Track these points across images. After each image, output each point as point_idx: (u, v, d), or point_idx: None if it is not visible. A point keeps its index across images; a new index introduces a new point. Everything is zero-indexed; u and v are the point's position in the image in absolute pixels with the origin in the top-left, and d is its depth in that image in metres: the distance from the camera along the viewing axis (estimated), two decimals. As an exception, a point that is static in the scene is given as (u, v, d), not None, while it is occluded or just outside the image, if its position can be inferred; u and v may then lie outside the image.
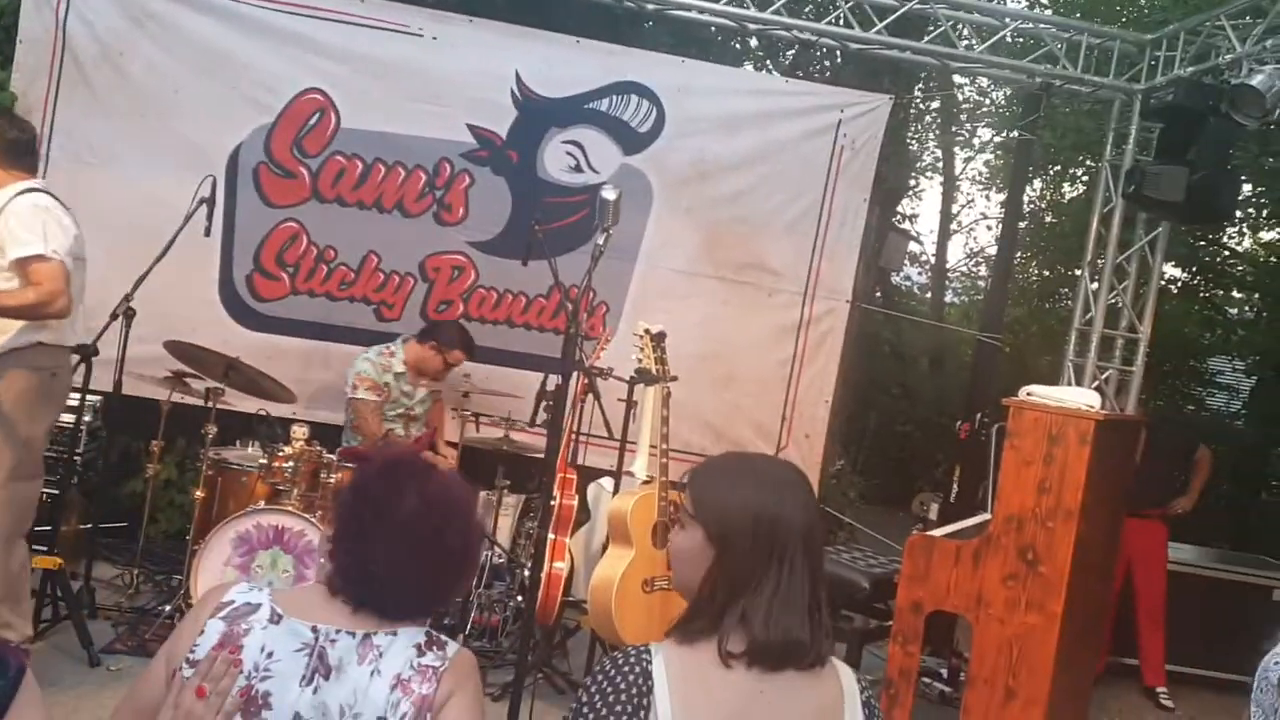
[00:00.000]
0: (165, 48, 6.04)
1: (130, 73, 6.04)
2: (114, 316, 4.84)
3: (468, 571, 1.97)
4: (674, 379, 4.85)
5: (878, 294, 12.61)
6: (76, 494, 5.46)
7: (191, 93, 6.07)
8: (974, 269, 17.94)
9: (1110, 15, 10.60)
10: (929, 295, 17.72)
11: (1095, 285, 6.59)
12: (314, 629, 1.78)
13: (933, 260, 17.46)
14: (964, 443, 6.58)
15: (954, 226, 17.51)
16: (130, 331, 5.01)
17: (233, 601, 1.81)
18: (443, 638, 1.86)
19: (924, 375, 15.46)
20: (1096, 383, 6.42)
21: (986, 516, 5.15)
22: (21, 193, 4.04)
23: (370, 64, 6.16)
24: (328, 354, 6.23)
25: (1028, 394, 4.42)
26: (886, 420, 13.15)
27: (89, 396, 5.20)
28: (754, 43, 10.80)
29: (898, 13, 6.27)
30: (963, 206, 17.85)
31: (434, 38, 6.21)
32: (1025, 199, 14.79)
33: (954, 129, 16.01)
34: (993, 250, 16.54)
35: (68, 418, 5.38)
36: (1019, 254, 14.47)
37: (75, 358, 4.41)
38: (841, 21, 6.38)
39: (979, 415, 6.46)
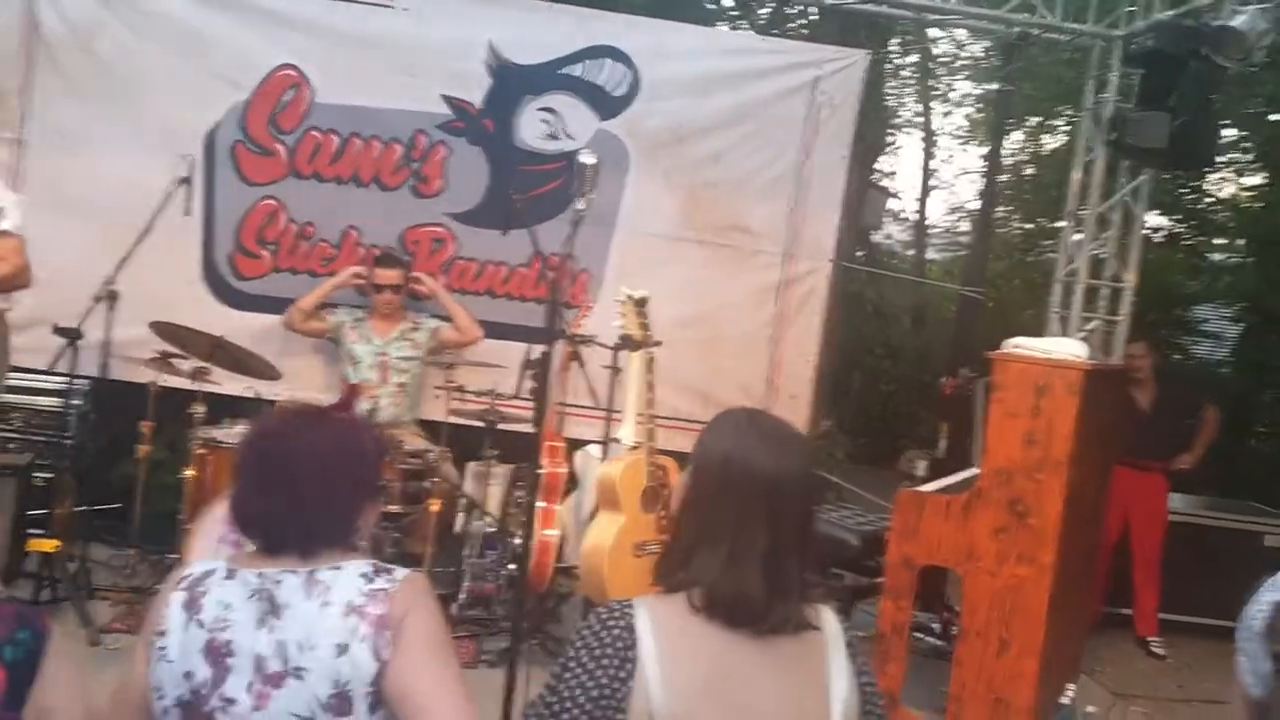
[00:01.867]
0: (135, 29, 5.99)
1: (101, 55, 5.99)
2: (97, 300, 4.86)
3: (360, 474, 1.98)
4: (657, 344, 4.88)
5: (859, 253, 12.64)
6: (69, 477, 5.48)
7: (164, 73, 6.02)
8: (955, 225, 17.96)
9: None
10: (911, 253, 17.75)
11: (1079, 236, 6.62)
12: (259, 574, 1.85)
13: (914, 218, 17.48)
14: (949, 398, 6.63)
15: (934, 182, 17.52)
16: (114, 314, 5.02)
17: (191, 573, 1.90)
18: (390, 566, 1.91)
19: (907, 333, 15.50)
20: (1082, 334, 6.47)
21: (975, 471, 5.22)
22: None
23: (343, 38, 6.12)
24: (310, 330, 6.22)
25: (1013, 346, 4.46)
26: (871, 379, 13.20)
27: (76, 381, 5.25)
28: (728, 2, 10.77)
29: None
30: (943, 162, 17.85)
31: (406, 9, 6.16)
32: (1005, 152, 14.86)
33: (931, 84, 15.97)
34: (974, 205, 16.60)
35: (55, 401, 5.42)
36: (999, 208, 14.55)
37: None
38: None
39: (963, 370, 6.51)
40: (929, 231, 17.61)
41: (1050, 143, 14.71)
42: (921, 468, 7.07)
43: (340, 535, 1.92)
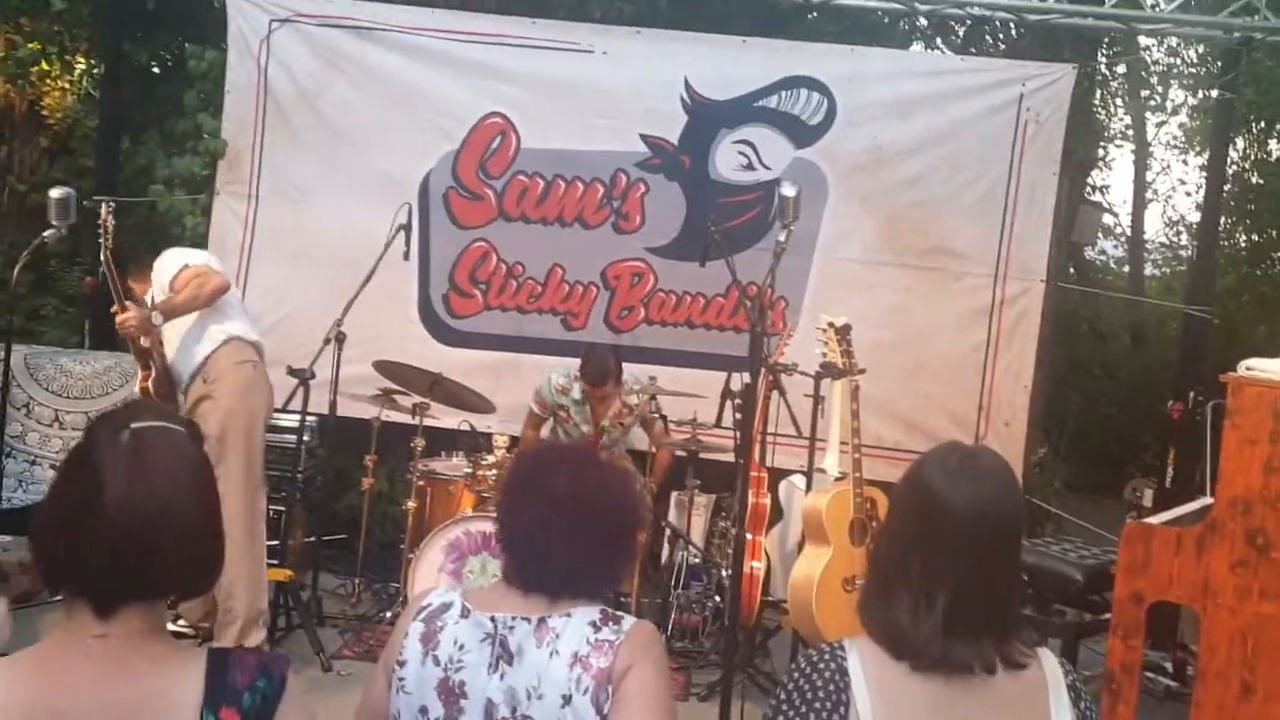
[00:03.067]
0: (357, 85, 6.40)
1: (326, 112, 6.42)
2: (327, 341, 5.16)
3: (624, 549, 1.99)
4: (862, 371, 4.81)
5: (1071, 271, 12.10)
6: (301, 510, 5.84)
7: (383, 125, 6.41)
8: (1174, 239, 16.97)
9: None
10: (1126, 269, 16.86)
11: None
12: (493, 619, 1.88)
13: (1128, 232, 16.61)
14: (1177, 423, 6.24)
15: (1149, 195, 16.61)
16: (341, 354, 5.33)
17: (430, 604, 1.95)
18: (618, 614, 1.91)
19: (1125, 353, 14.71)
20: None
21: (1207, 501, 4.90)
22: None
23: (546, 84, 6.37)
24: (518, 364, 6.44)
25: (1247, 369, 4.17)
26: (1089, 403, 12.57)
27: (308, 418, 5.59)
28: (923, 22, 10.55)
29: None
30: (1158, 174, 16.92)
31: (604, 52, 6.35)
32: (1228, 161, 13.93)
33: (1143, 93, 15.18)
34: (1194, 218, 15.62)
35: (289, 438, 5.79)
36: (1223, 219, 13.64)
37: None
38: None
39: (1192, 394, 6.12)
40: (1146, 246, 16.69)
41: (1278, 149, 13.75)
42: (1148, 497, 6.69)
43: (597, 588, 1.96)
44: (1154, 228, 17.20)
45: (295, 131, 6.44)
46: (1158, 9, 6.16)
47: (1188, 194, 16.74)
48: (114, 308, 4.45)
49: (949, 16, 7.25)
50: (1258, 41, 6.20)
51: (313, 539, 5.62)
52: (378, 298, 5.67)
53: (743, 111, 6.37)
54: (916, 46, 10.32)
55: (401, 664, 1.89)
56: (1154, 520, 4.64)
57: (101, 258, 4.40)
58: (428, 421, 5.52)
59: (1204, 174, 15.29)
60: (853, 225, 6.37)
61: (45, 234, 4.52)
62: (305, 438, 5.92)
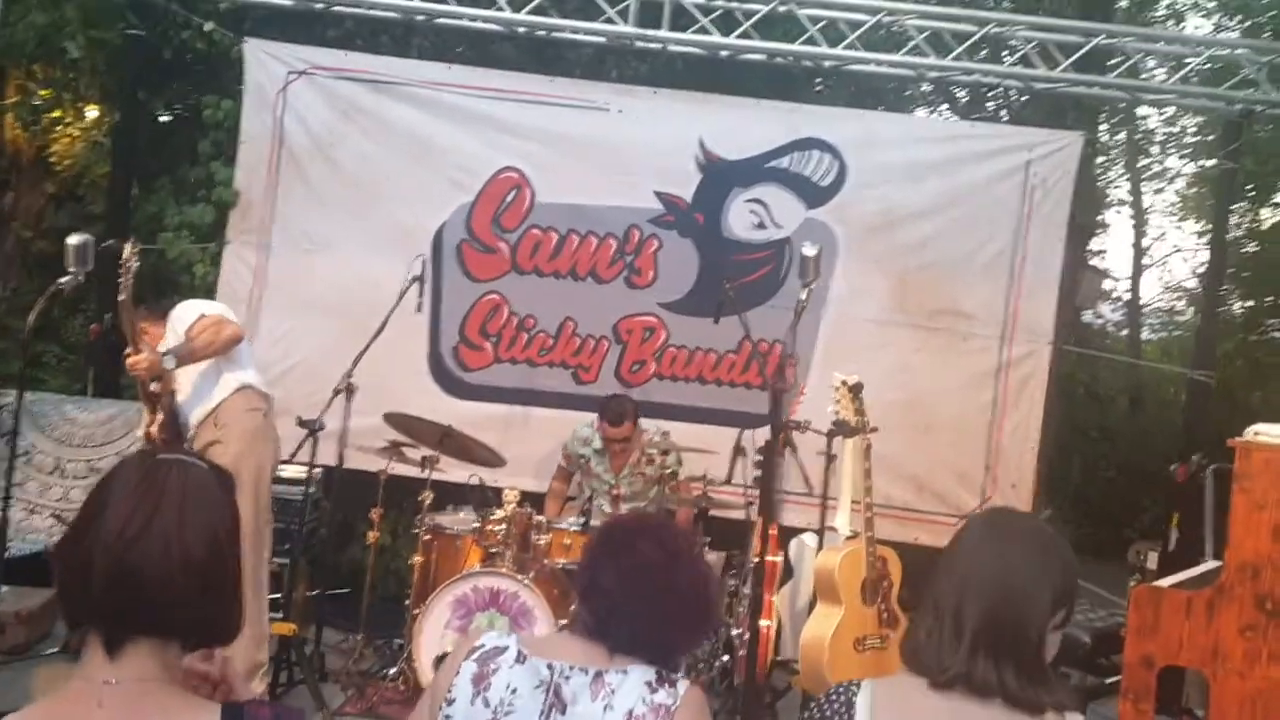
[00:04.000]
0: (373, 137, 6.46)
1: (341, 163, 6.48)
2: (336, 392, 5.15)
3: (700, 619, 2.06)
4: (874, 430, 4.82)
5: (1069, 334, 12.17)
6: (304, 562, 5.79)
7: (397, 178, 6.47)
8: (1171, 304, 17.12)
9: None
10: (1124, 333, 16.98)
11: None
12: (549, 666, 1.90)
13: (1125, 296, 16.75)
14: (1181, 487, 6.25)
15: (1145, 260, 16.77)
16: (350, 405, 5.31)
17: (483, 645, 1.97)
18: (673, 675, 1.93)
19: (1122, 416, 14.75)
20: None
21: (1213, 564, 4.91)
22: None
23: (561, 140, 6.44)
24: (528, 418, 6.45)
25: (1255, 434, 4.20)
26: (1087, 466, 12.59)
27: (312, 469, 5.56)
28: (926, 87, 10.71)
29: (1083, 49, 6.12)
30: (1154, 240, 17.10)
31: (619, 110, 6.44)
32: (1234, 229, 14.11)
33: (1142, 161, 15.40)
34: (1189, 283, 15.81)
35: (295, 490, 5.76)
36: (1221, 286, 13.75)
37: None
38: (1024, 61, 6.27)
39: (1195, 457, 6.14)
40: (1142, 310, 16.82)
41: (1270, 216, 13.92)
42: (1152, 560, 6.68)
43: (661, 655, 1.97)
44: (1150, 292, 17.36)
45: (309, 182, 6.48)
46: (1151, 78, 6.23)
47: (1184, 259, 16.94)
48: (126, 349, 4.45)
49: (958, 83, 7.34)
50: (1258, 114, 6.29)
51: (316, 592, 5.57)
52: (386, 349, 5.65)
53: (755, 171, 6.44)
54: (920, 110, 10.48)
55: (450, 702, 1.90)
56: (1163, 583, 4.64)
57: (120, 297, 4.38)
58: (438, 475, 5.49)
59: (1200, 240, 15.52)
60: (863, 285, 6.42)
61: (61, 280, 4.51)
62: (310, 489, 5.90)
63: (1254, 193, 13.35)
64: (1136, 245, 16.36)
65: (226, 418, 4.57)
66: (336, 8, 6.49)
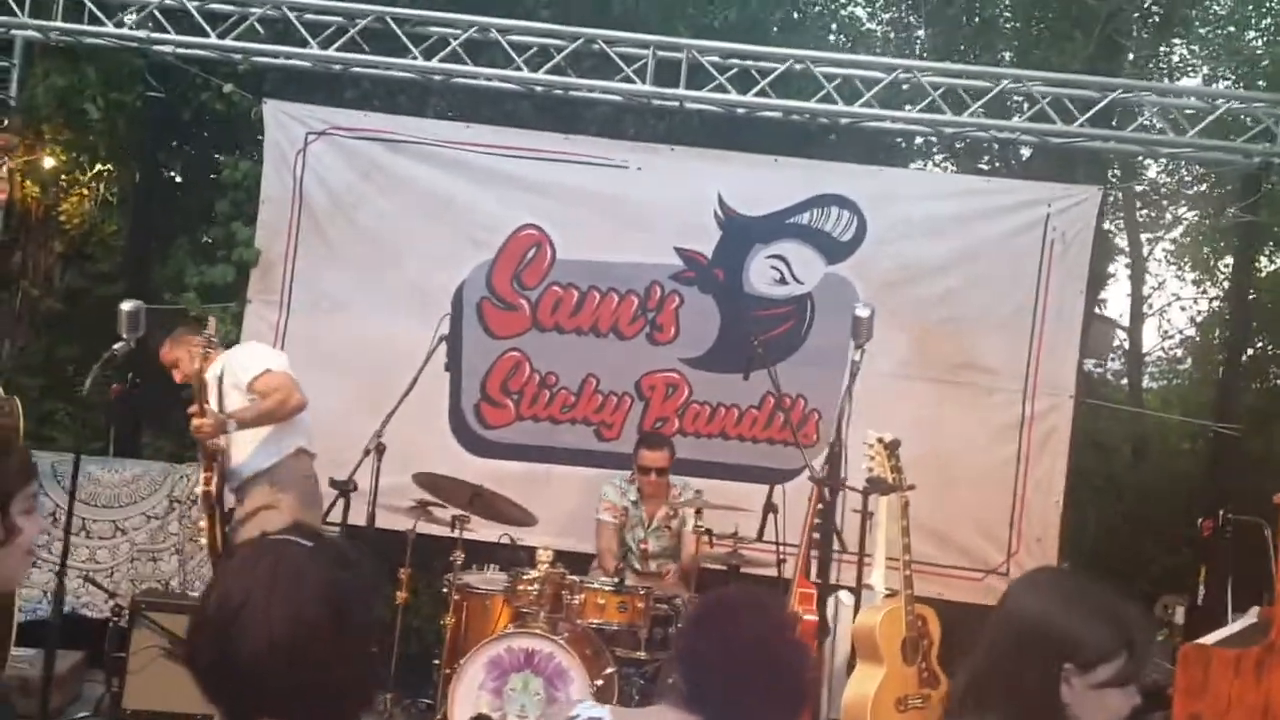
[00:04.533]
0: (392, 197, 6.48)
1: (361, 222, 6.49)
2: (366, 453, 5.13)
3: (797, 694, 2.04)
4: (911, 487, 4.80)
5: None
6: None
7: (417, 236, 6.48)
8: (1170, 352, 17.16)
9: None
10: (1124, 381, 17.01)
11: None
12: None
13: (1125, 346, 16.80)
14: (1207, 540, 6.24)
15: (1146, 309, 16.85)
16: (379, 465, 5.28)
17: (578, 715, 1.99)
18: None
19: (1127, 466, 14.75)
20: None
21: (1252, 620, 4.88)
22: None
23: (581, 197, 6.47)
24: (549, 475, 6.42)
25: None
26: (1101, 518, 12.55)
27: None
28: (918, 141, 10.81)
29: (1100, 104, 6.19)
30: (1154, 289, 17.20)
31: (638, 168, 6.48)
32: (1221, 276, 14.25)
33: (1150, 212, 15.56)
34: (1189, 332, 15.89)
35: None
36: (1218, 333, 13.87)
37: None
38: (1042, 116, 6.33)
39: (1222, 511, 6.13)
40: (1144, 360, 16.88)
41: (1266, 265, 14.01)
42: (1179, 614, 6.64)
43: None
44: (1150, 341, 17.40)
45: (329, 242, 6.49)
46: (1163, 132, 6.28)
47: (1182, 309, 17.03)
48: (192, 408, 4.55)
49: (975, 140, 7.42)
50: (1276, 166, 6.35)
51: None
52: (407, 407, 5.62)
53: (775, 227, 6.47)
54: (922, 163, 10.56)
55: None
56: (1208, 640, 4.61)
57: (195, 367, 4.55)
58: (468, 535, 5.43)
59: (1198, 290, 15.61)
60: (884, 339, 6.36)
61: (115, 347, 4.55)
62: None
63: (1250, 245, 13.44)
64: (1135, 294, 16.43)
65: (283, 479, 4.65)
66: (354, 69, 6.55)
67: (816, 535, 3.48)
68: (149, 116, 6.63)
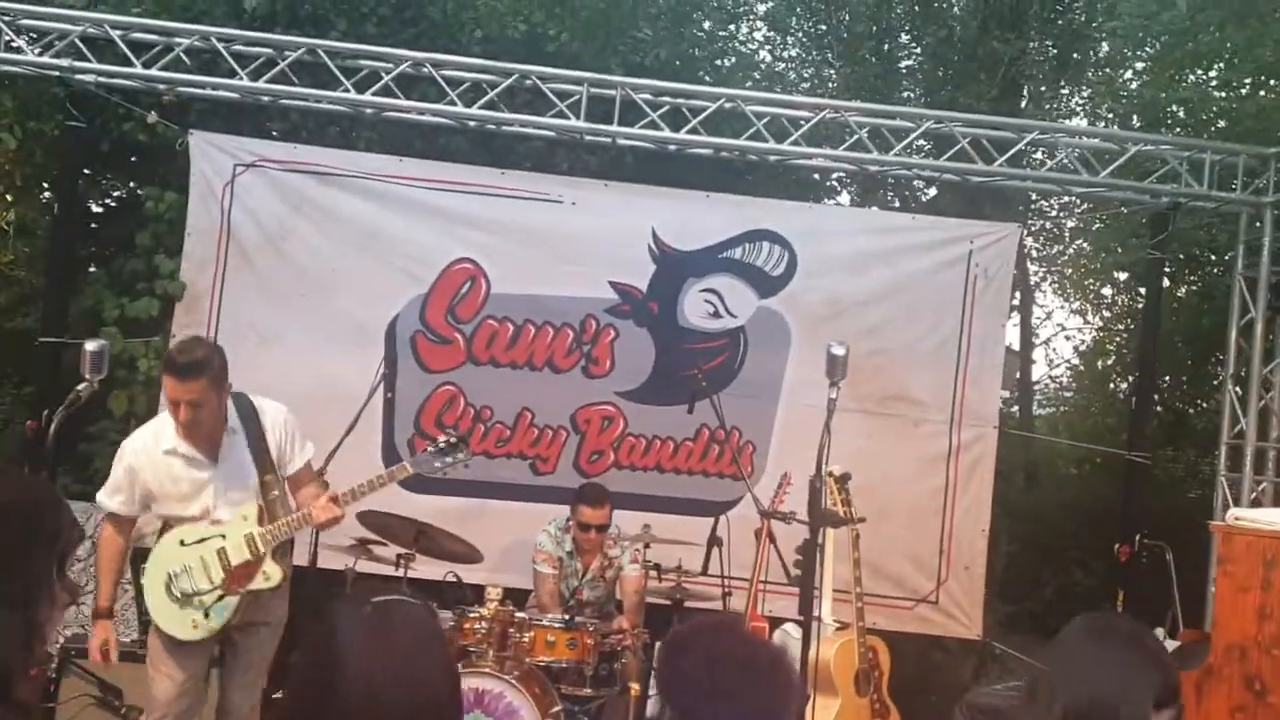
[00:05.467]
0: (324, 230, 6.38)
1: (292, 255, 6.37)
2: (310, 490, 4.98)
3: (784, 704, 2.06)
4: (862, 520, 4.90)
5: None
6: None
7: (349, 270, 6.39)
8: (1057, 380, 17.86)
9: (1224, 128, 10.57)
10: (1014, 409, 17.60)
11: (1239, 396, 6.60)
12: None
13: (1019, 375, 17.41)
14: (1124, 565, 6.48)
15: (1034, 339, 17.50)
16: (320, 504, 5.14)
17: None
18: None
19: (1019, 492, 15.23)
20: (1254, 495, 6.36)
21: (1177, 644, 5.08)
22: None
23: (515, 231, 6.46)
24: (484, 510, 6.37)
25: (1235, 518, 4.42)
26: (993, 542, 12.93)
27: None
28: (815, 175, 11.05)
29: (1016, 146, 6.46)
30: (1041, 320, 17.88)
31: (573, 203, 6.50)
32: (1116, 308, 14.90)
33: (1035, 246, 16.16)
34: (1074, 362, 16.60)
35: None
36: (1101, 364, 14.51)
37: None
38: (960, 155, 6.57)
39: (1139, 537, 6.38)
40: (1034, 388, 17.51)
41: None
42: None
43: None
44: (1038, 371, 18.06)
45: (259, 274, 6.35)
46: (1076, 172, 6.58)
47: (1067, 338, 17.74)
48: (315, 496, 4.46)
49: (900, 178, 7.64)
50: (1184, 205, 6.69)
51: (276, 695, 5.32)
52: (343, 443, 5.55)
53: (709, 261, 6.56)
54: (839, 199, 10.81)
55: None
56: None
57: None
58: (413, 573, 5.33)
59: (1083, 322, 16.28)
60: (815, 372, 6.45)
61: (79, 387, 4.28)
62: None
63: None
64: (1024, 325, 17.04)
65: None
66: (283, 101, 6.45)
67: (797, 571, 3.51)
68: (68, 146, 6.39)
